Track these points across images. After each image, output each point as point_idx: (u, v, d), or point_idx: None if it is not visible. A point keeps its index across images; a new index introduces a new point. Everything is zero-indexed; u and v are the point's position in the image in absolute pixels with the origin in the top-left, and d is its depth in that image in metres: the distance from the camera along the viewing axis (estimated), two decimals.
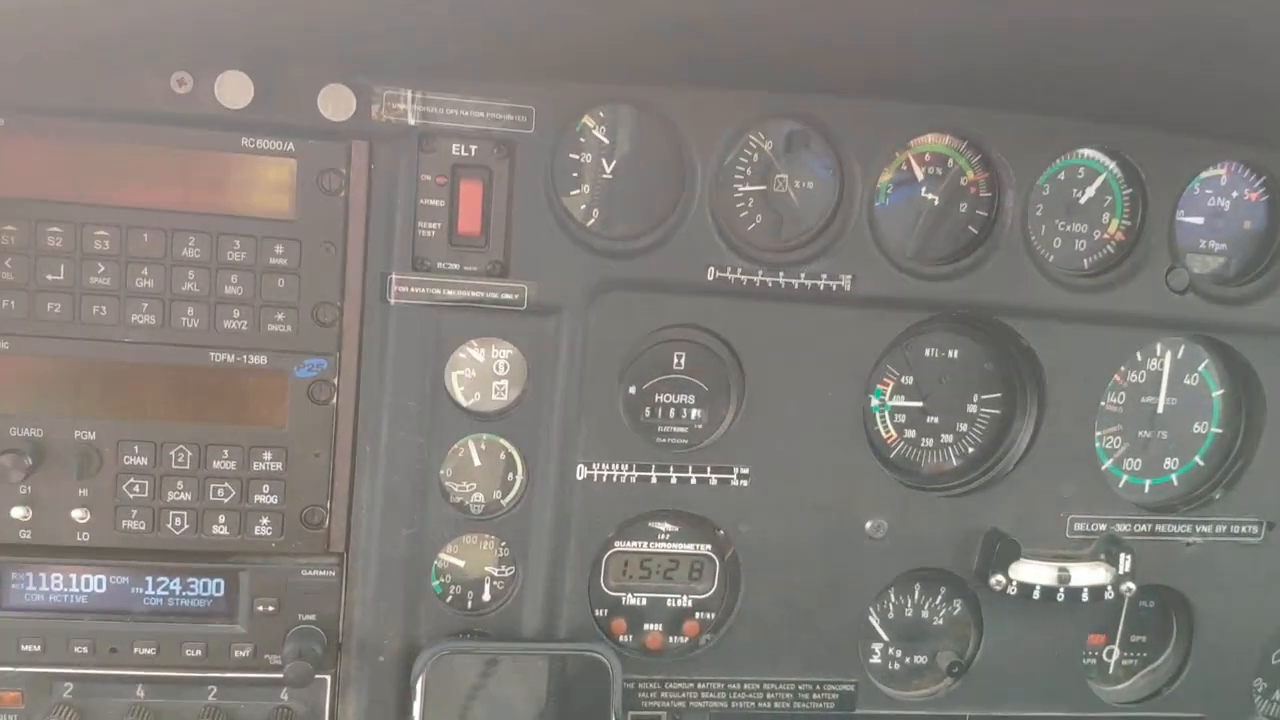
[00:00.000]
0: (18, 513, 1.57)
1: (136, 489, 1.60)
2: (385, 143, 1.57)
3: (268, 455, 1.62)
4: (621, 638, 1.80)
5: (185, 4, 1.34)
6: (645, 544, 1.78)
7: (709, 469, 1.73)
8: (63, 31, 1.36)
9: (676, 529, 1.78)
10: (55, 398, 1.57)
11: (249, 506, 1.63)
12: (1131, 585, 1.78)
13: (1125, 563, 1.78)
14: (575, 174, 1.65)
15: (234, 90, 1.45)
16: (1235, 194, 1.81)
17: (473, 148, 1.59)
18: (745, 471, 1.73)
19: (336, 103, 1.49)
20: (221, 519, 1.62)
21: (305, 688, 1.66)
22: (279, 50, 1.47)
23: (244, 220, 1.56)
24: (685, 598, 1.80)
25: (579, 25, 1.38)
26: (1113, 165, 1.76)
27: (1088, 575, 1.78)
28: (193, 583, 1.65)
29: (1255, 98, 1.59)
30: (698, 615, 1.81)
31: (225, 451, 1.61)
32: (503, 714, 1.67)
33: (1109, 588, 1.78)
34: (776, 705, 1.82)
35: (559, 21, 1.37)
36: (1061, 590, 1.76)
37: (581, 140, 1.64)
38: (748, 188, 1.69)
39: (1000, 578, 1.76)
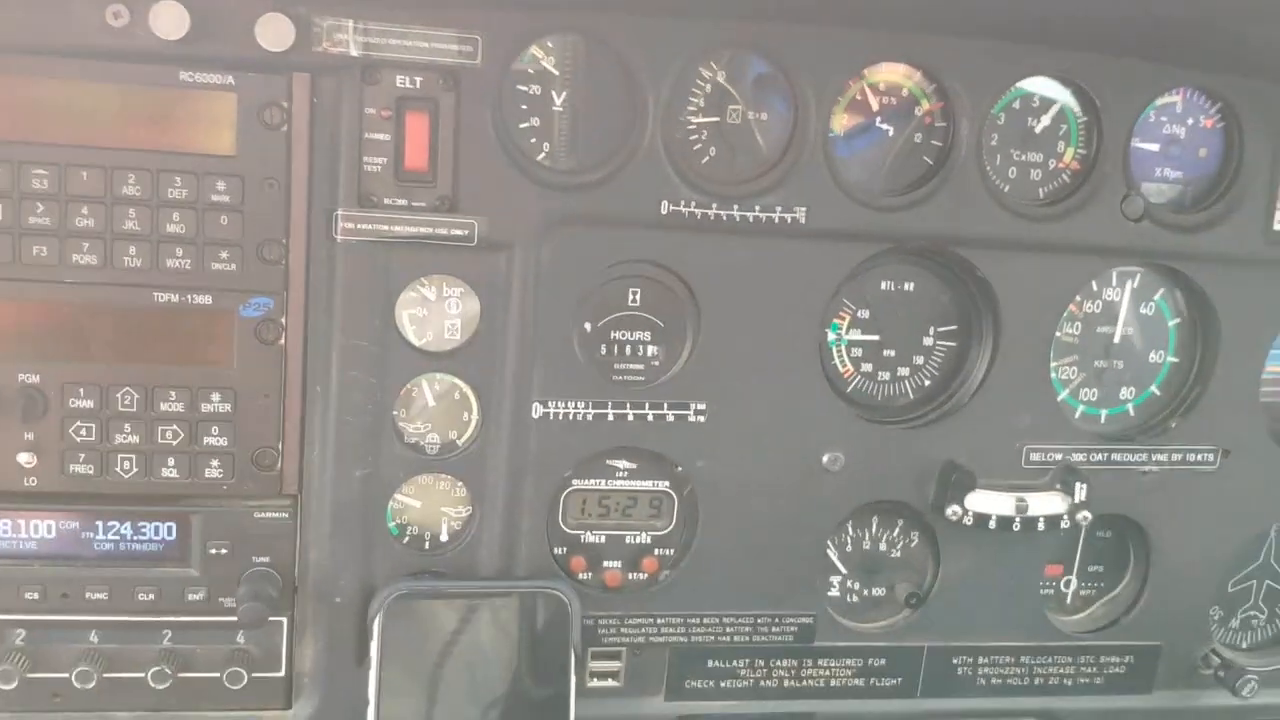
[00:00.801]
0: None
1: (84, 432, 1.57)
2: (328, 75, 1.53)
3: (216, 396, 1.60)
4: (581, 575, 1.80)
5: None
6: (603, 482, 1.77)
7: (666, 405, 1.72)
8: None
9: (634, 466, 1.77)
10: None
11: (199, 449, 1.61)
12: (1087, 514, 1.79)
13: (1081, 492, 1.78)
14: (525, 106, 1.62)
15: (169, 20, 1.41)
16: (1191, 121, 1.80)
17: (418, 79, 1.55)
18: (702, 407, 1.72)
19: (275, 32, 1.45)
20: (171, 462, 1.60)
21: (261, 630, 1.65)
22: None
23: (185, 157, 1.52)
24: (644, 534, 1.80)
25: None
26: (1068, 94, 1.74)
27: (1044, 505, 1.78)
28: (144, 526, 1.63)
29: (1208, 24, 1.59)
30: (656, 551, 1.81)
31: (173, 393, 1.58)
32: (461, 652, 1.67)
33: (1065, 517, 1.79)
34: (735, 639, 1.82)
35: None
36: (1018, 520, 1.77)
37: (530, 72, 1.61)
38: (701, 120, 1.66)
39: (956, 508, 1.77)
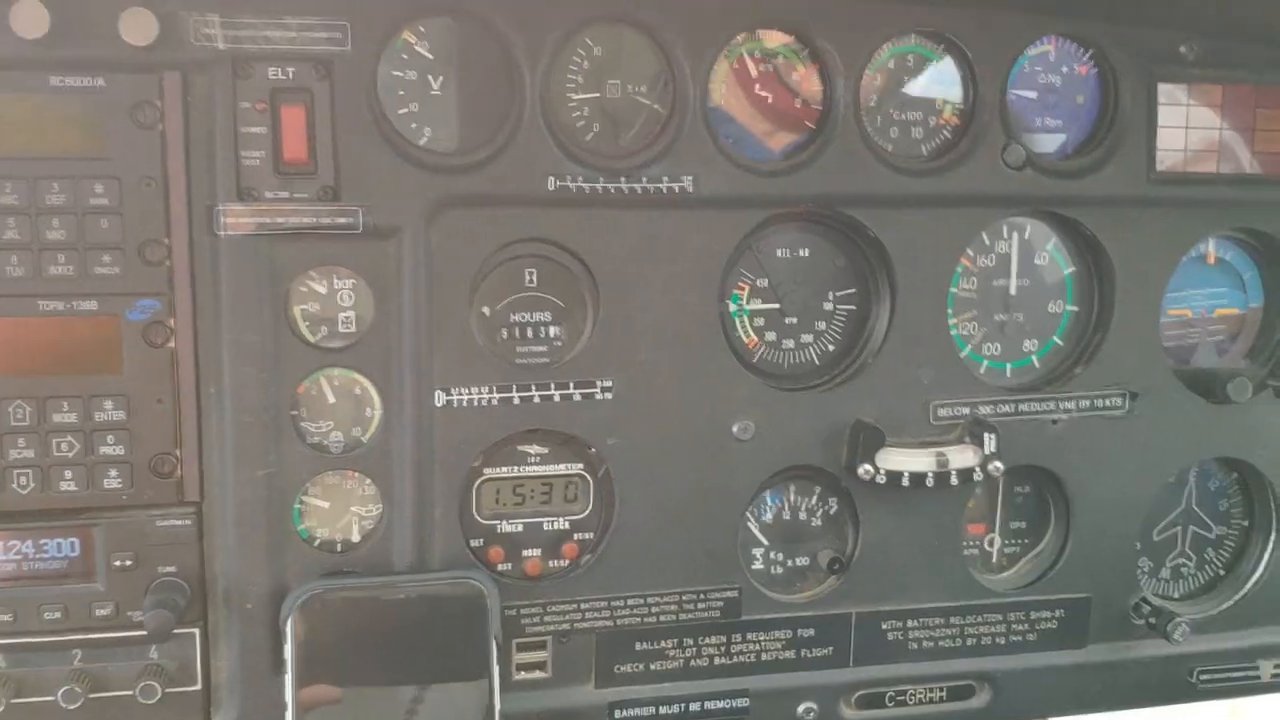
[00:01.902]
0: None
1: None
2: (198, 71, 1.53)
3: (109, 404, 1.57)
4: (500, 566, 1.78)
5: None
6: (516, 469, 1.75)
7: (571, 384, 1.71)
8: None
9: (546, 450, 1.76)
10: None
11: (95, 459, 1.58)
12: (999, 464, 1.79)
13: (990, 442, 1.79)
14: (402, 92, 1.63)
15: (28, 19, 1.41)
16: (1065, 69, 1.84)
17: (290, 70, 1.56)
18: (608, 384, 1.72)
19: (138, 26, 1.46)
20: (68, 474, 1.57)
21: (172, 642, 1.61)
22: None
23: (59, 161, 1.51)
24: (562, 520, 1.79)
25: None
26: (940, 50, 1.78)
27: (955, 458, 1.79)
28: (45, 543, 1.59)
29: None
30: (575, 536, 1.79)
31: (65, 404, 1.56)
32: (379, 650, 1.63)
33: (977, 469, 1.79)
34: (662, 618, 1.80)
35: None
36: (930, 475, 1.77)
37: (404, 57, 1.62)
38: (581, 96, 1.68)
39: (868, 467, 1.77)
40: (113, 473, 1.58)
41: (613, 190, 1.66)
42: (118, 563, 1.60)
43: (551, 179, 1.64)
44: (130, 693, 1.61)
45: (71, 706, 1.58)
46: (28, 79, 1.49)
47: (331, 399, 1.67)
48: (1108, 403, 1.89)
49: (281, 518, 1.65)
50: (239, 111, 1.55)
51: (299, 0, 1.54)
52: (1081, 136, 1.86)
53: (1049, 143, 1.85)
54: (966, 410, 1.84)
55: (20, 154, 1.50)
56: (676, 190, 1.68)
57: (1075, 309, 1.91)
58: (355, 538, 1.71)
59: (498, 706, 1.65)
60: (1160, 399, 1.91)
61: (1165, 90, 1.85)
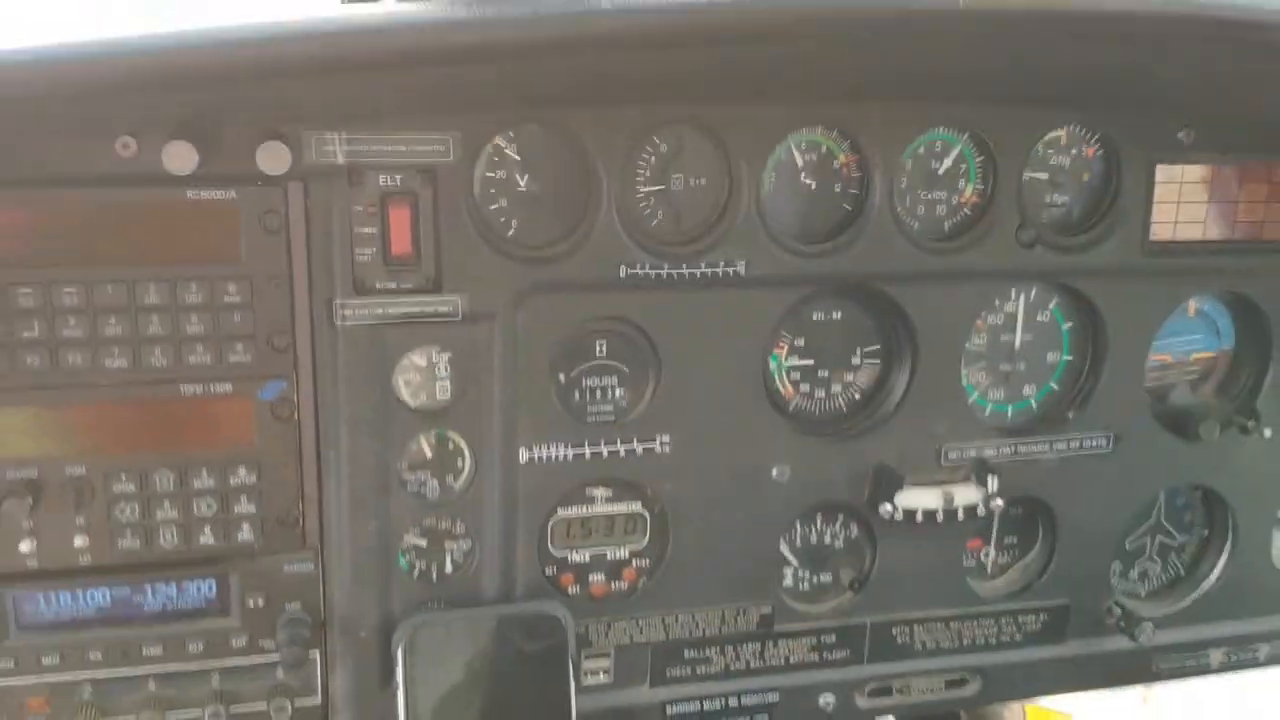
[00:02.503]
0: (25, 547, 1.75)
1: (128, 512, 1.78)
2: (318, 181, 1.73)
3: (242, 470, 1.81)
4: (570, 590, 2.05)
5: (129, 87, 1.48)
6: (584, 508, 2.02)
7: (635, 440, 1.96)
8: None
9: (610, 493, 2.02)
10: (45, 440, 1.73)
11: (230, 517, 1.82)
12: (999, 501, 2.07)
13: (993, 483, 2.06)
14: (493, 190, 1.83)
15: (180, 158, 1.59)
16: (1074, 151, 2.05)
17: (398, 177, 1.76)
18: (666, 439, 1.97)
19: (274, 158, 1.64)
20: (207, 529, 1.82)
21: (300, 668, 1.88)
22: (218, 115, 1.62)
23: (197, 265, 1.72)
24: (623, 549, 2.06)
25: (493, 79, 1.56)
26: (965, 137, 1.99)
27: (961, 497, 2.06)
28: (188, 587, 1.85)
29: (1092, 76, 1.84)
30: (634, 563, 2.07)
31: (204, 471, 1.79)
32: (475, 669, 1.91)
33: (980, 505, 2.07)
34: (707, 631, 2.10)
35: (473, 78, 1.56)
36: (941, 512, 2.05)
37: (495, 159, 1.82)
38: (648, 189, 1.89)
39: (888, 506, 2.04)
40: (245, 526, 1.83)
41: (675, 275, 1.89)
42: (250, 602, 1.86)
43: (623, 267, 1.86)
44: (263, 707, 1.89)
45: None
46: (167, 194, 1.68)
47: (429, 454, 1.92)
48: (1094, 443, 2.16)
49: (389, 558, 1.92)
50: (353, 214, 1.75)
51: (407, 118, 1.73)
52: (1085, 209, 2.08)
53: (1054, 214, 2.07)
54: (973, 453, 2.11)
55: (162, 259, 1.71)
56: (731, 273, 1.90)
57: (1070, 358, 2.17)
58: (449, 569, 1.97)
59: (574, 709, 1.95)
60: (1140, 438, 2.18)
61: (1162, 170, 2.07)
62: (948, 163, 2.00)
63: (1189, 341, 2.25)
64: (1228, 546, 2.34)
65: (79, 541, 1.77)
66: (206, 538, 1.82)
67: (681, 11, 1.51)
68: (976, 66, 1.79)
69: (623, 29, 1.51)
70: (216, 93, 1.53)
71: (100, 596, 1.82)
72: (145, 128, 1.62)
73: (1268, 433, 2.23)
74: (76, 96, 1.44)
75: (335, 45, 1.47)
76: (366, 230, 1.77)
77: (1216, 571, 2.36)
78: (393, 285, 1.80)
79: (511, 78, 1.61)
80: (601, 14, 1.49)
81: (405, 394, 1.87)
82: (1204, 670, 2.40)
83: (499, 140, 1.81)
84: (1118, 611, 2.27)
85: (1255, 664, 2.43)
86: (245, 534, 1.84)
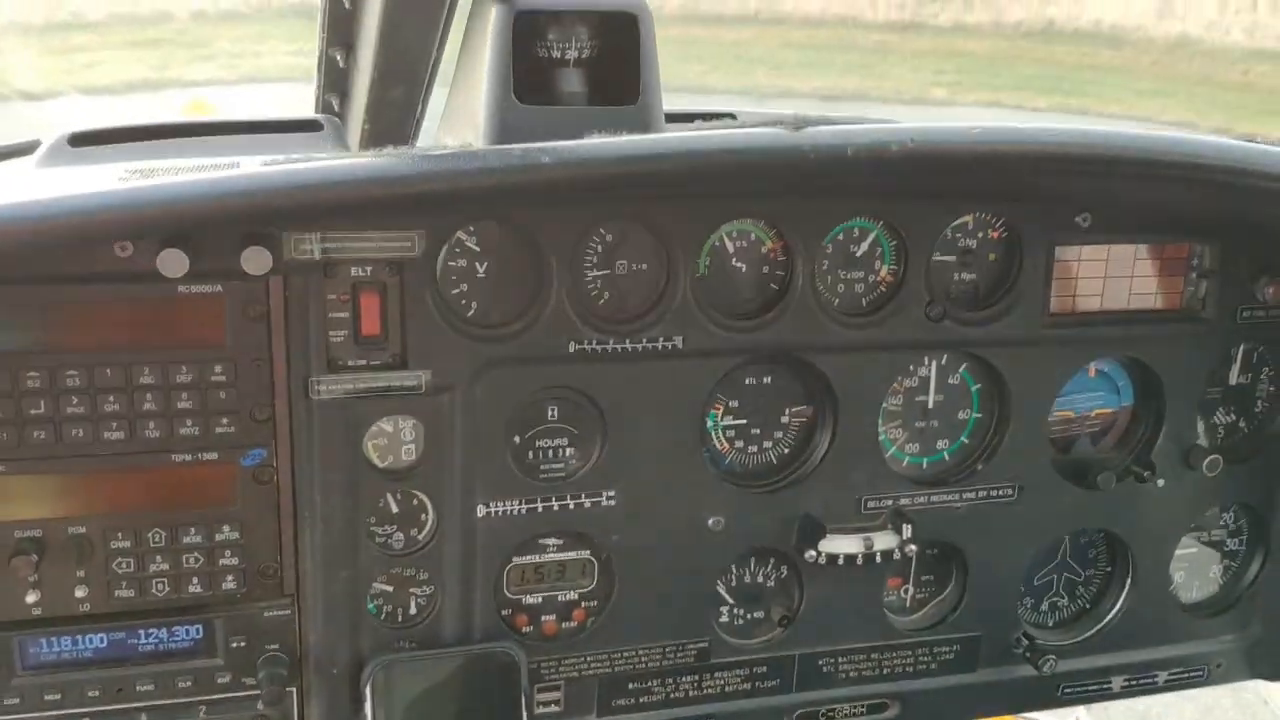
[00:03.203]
0: (30, 598, 1.95)
1: (124, 566, 1.99)
2: (296, 274, 1.93)
3: (226, 528, 2.02)
4: (524, 629, 2.26)
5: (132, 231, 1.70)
6: (537, 556, 2.23)
7: (583, 494, 2.18)
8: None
9: (561, 542, 2.23)
10: (50, 504, 1.93)
11: (215, 569, 2.03)
12: (914, 546, 2.29)
13: (907, 530, 2.29)
14: (454, 277, 2.03)
15: (173, 264, 1.78)
16: (980, 234, 2.27)
17: (368, 269, 1.97)
18: (612, 494, 2.19)
19: (257, 261, 1.84)
20: (195, 580, 2.03)
21: (279, 703, 2.10)
22: (206, 228, 1.82)
23: (187, 349, 1.92)
24: (572, 592, 2.27)
25: (468, 195, 1.78)
26: (880, 225, 2.20)
27: (879, 543, 2.28)
28: (177, 630, 2.06)
29: (999, 182, 2.07)
30: (583, 604, 2.28)
31: (192, 529, 2.00)
32: (437, 703, 2.13)
33: (896, 550, 2.29)
34: (649, 665, 2.31)
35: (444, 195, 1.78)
36: (859, 556, 2.28)
37: (457, 250, 2.03)
38: (595, 273, 2.10)
39: (812, 552, 2.26)
40: (229, 578, 2.04)
41: (619, 349, 2.10)
42: (234, 643, 2.07)
43: (572, 343, 2.07)
44: None
45: None
46: (160, 289, 1.87)
47: (395, 510, 2.13)
48: (1001, 492, 2.38)
49: (359, 603, 2.13)
50: (327, 302, 1.96)
51: (378, 218, 1.93)
52: (989, 285, 2.30)
53: (962, 289, 2.29)
54: (890, 503, 2.33)
55: (155, 343, 1.91)
56: (670, 347, 2.12)
57: (980, 415, 2.39)
58: (413, 612, 2.19)
59: None
60: (1042, 488, 2.40)
61: (1061, 250, 2.30)
62: (864, 247, 2.21)
63: (1090, 399, 2.48)
64: (1128, 582, 2.57)
65: (79, 592, 1.98)
66: (194, 587, 2.03)
67: (609, 161, 1.73)
68: (878, 184, 2.01)
69: (560, 178, 1.73)
70: (208, 227, 1.74)
71: (98, 640, 2.03)
72: (137, 235, 1.82)
73: (1161, 482, 2.46)
74: (89, 238, 1.65)
75: (306, 196, 1.68)
76: (339, 315, 1.97)
77: (1118, 605, 2.59)
78: (363, 362, 2.01)
79: (471, 200, 1.83)
80: (540, 167, 1.71)
81: (374, 456, 2.08)
82: (1106, 695, 2.63)
83: (460, 234, 2.01)
84: (1024, 643, 2.50)
85: (1154, 689, 2.67)
86: (229, 583, 2.04)
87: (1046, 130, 1.85)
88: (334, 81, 2.70)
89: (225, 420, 1.97)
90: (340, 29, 2.47)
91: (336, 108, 2.77)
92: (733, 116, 2.32)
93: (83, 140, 2.25)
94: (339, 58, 2.57)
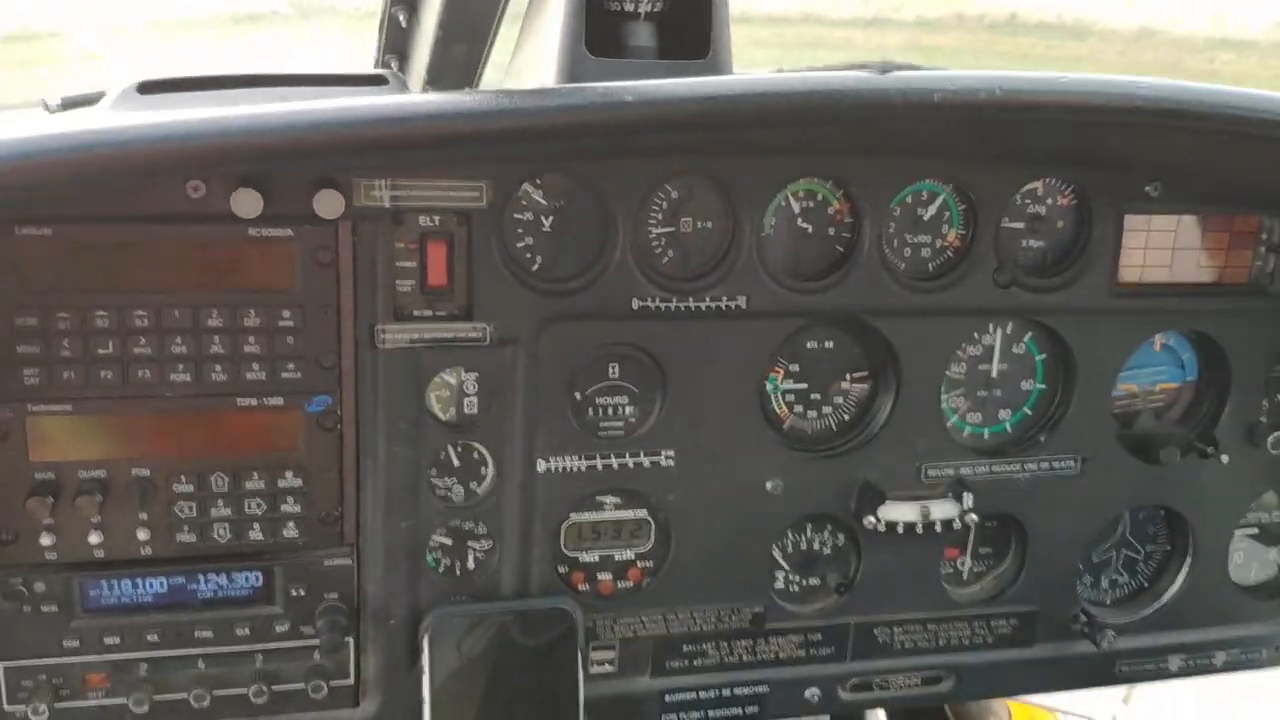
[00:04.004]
0: (94, 539, 1.96)
1: (186, 510, 1.99)
2: (365, 221, 1.93)
3: (289, 474, 2.02)
4: (580, 587, 2.26)
5: (209, 162, 1.70)
6: (595, 514, 2.22)
7: (642, 453, 2.16)
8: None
9: (619, 500, 2.22)
10: (114, 445, 1.94)
11: (277, 515, 2.03)
12: (974, 516, 2.27)
13: (968, 499, 2.27)
14: (520, 230, 2.03)
15: (247, 205, 1.79)
16: (1050, 201, 2.24)
17: (436, 219, 1.96)
18: (670, 454, 2.17)
19: (329, 205, 1.84)
20: (256, 526, 2.03)
21: (337, 652, 2.10)
22: (281, 168, 1.82)
23: (256, 293, 1.92)
24: (629, 551, 2.26)
25: (549, 132, 1.77)
26: (949, 188, 2.18)
27: (939, 511, 2.27)
28: (236, 577, 2.06)
29: (1065, 147, 2.04)
30: (639, 564, 2.27)
31: (255, 474, 2.00)
32: (493, 657, 2.13)
33: (956, 520, 2.27)
34: (704, 627, 2.30)
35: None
36: (920, 525, 2.26)
37: (523, 203, 2.02)
38: (659, 230, 2.09)
39: (871, 518, 2.24)
40: (290, 525, 2.04)
41: (682, 307, 2.08)
42: (293, 592, 2.07)
43: (635, 300, 2.06)
44: (301, 686, 2.11)
45: (259, 700, 2.07)
46: (231, 231, 1.88)
47: (456, 463, 2.12)
48: (1064, 465, 2.36)
49: (418, 555, 2.12)
50: (395, 251, 1.96)
51: (445, 168, 1.93)
52: (1058, 253, 2.28)
53: (1030, 256, 2.27)
54: (951, 471, 2.30)
55: (224, 286, 1.91)
56: (733, 307, 2.10)
57: (1043, 387, 2.36)
58: (471, 566, 2.18)
59: (582, 695, 2.16)
60: (1105, 461, 2.37)
61: (1131, 219, 2.27)
62: (932, 210, 2.19)
63: (1155, 373, 2.45)
64: (1188, 561, 2.54)
65: (141, 535, 1.99)
66: (255, 534, 2.03)
67: (693, 99, 1.71)
68: (955, 140, 1.99)
69: (643, 117, 1.72)
70: (282, 163, 1.74)
71: (158, 584, 2.04)
72: (208, 170, 1.82)
73: (1225, 458, 2.42)
74: (161, 169, 1.65)
75: (387, 129, 1.67)
76: (407, 265, 1.97)
77: (1177, 584, 2.55)
78: (428, 313, 2.00)
79: (541, 146, 1.81)
80: (624, 105, 1.69)
81: (436, 408, 2.08)
82: (1163, 675, 2.60)
83: (527, 187, 2.01)
84: (1083, 618, 2.47)
85: (1212, 670, 2.63)
86: (290, 531, 2.05)
87: (1137, 82, 1.82)
88: (394, 41, 2.71)
89: (291, 366, 1.97)
90: None
91: (395, 67, 2.77)
92: None
93: (152, 88, 2.26)
94: (401, 17, 2.58)
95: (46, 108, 2.33)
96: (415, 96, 1.73)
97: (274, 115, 1.64)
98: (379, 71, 2.59)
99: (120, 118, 1.71)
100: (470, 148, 1.76)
